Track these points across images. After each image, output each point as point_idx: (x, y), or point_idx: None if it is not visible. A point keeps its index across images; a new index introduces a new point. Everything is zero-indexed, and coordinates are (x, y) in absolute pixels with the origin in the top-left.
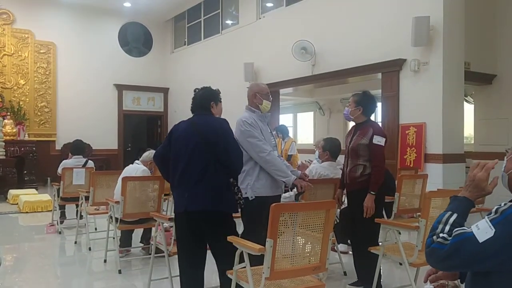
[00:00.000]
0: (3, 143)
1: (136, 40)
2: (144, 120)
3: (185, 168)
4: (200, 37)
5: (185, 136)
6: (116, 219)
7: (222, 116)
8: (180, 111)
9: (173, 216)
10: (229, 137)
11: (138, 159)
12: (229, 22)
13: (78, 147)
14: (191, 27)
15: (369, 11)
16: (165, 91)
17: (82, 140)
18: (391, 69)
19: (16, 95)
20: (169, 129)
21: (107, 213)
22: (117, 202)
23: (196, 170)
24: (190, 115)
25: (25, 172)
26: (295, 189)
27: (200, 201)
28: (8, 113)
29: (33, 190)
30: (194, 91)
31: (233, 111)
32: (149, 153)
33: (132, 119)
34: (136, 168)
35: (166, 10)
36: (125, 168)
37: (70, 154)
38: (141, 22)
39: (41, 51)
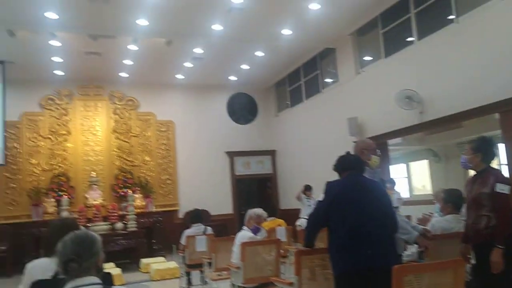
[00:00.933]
0: (135, 216)
1: (242, 108)
2: (254, 183)
3: (361, 225)
4: (302, 98)
5: (353, 194)
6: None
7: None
8: (288, 170)
9: (292, 281)
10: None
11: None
12: (328, 80)
13: (196, 216)
14: (292, 90)
15: (474, 47)
16: (272, 153)
17: (198, 208)
18: (511, 107)
19: (143, 171)
20: (279, 190)
21: (229, 278)
22: (238, 268)
23: (375, 227)
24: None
25: (154, 241)
26: (417, 246)
27: (386, 258)
28: (138, 188)
29: (162, 258)
30: (346, 153)
31: None
32: (247, 213)
33: (243, 183)
34: (243, 236)
35: (268, 78)
36: (236, 235)
37: (190, 223)
38: (246, 92)
39: (162, 129)
